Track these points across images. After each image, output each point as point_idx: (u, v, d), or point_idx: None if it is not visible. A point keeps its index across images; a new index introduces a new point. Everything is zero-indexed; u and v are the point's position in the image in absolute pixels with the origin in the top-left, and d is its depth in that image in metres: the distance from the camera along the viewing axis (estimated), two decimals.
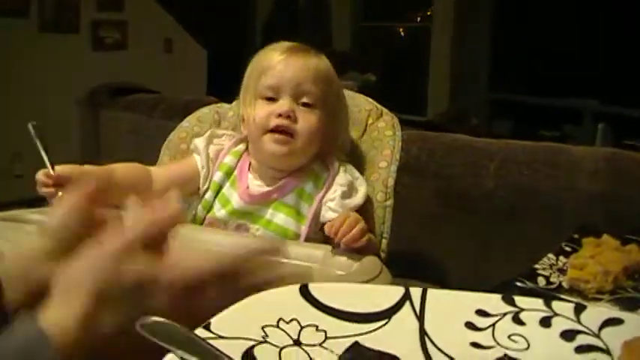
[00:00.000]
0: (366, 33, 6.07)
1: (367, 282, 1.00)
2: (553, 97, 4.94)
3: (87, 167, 1.14)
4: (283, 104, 1.22)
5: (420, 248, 1.84)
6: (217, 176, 1.29)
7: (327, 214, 1.22)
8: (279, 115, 1.22)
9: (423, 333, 0.61)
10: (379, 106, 1.44)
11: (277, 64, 1.25)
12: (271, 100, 1.24)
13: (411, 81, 5.72)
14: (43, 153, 1.10)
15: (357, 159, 1.38)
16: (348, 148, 1.37)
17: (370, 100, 1.45)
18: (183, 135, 1.45)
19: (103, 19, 4.88)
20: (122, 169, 1.22)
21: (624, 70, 4.60)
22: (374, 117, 1.41)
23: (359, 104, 1.43)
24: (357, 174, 1.29)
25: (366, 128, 1.41)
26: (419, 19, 5.95)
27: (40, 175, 1.09)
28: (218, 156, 1.31)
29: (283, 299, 0.61)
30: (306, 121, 1.23)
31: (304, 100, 1.23)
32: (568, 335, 0.61)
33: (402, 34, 6.14)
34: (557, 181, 1.73)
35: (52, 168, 1.09)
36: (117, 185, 1.17)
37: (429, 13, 5.70)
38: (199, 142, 1.32)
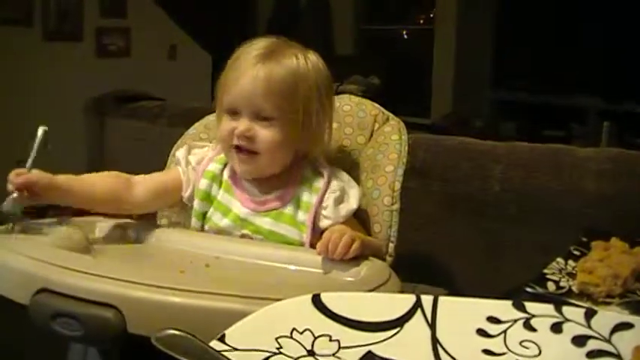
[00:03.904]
0: (369, 36, 6.06)
1: (376, 288, 1.00)
2: (557, 96, 4.93)
3: (58, 178, 1.17)
4: (241, 124, 1.22)
5: (427, 251, 1.84)
6: (203, 184, 1.29)
7: (321, 223, 1.24)
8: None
9: (435, 341, 0.62)
10: (385, 111, 1.44)
11: (236, 80, 1.23)
12: (234, 114, 1.24)
13: (414, 83, 5.71)
14: (32, 155, 1.18)
15: (363, 163, 1.39)
16: (333, 150, 1.37)
17: (376, 105, 1.45)
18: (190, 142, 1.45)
19: (107, 27, 4.88)
20: (93, 179, 1.24)
21: (628, 67, 4.58)
22: (380, 122, 1.42)
23: (365, 109, 1.44)
24: (345, 177, 1.29)
25: (373, 133, 1.41)
26: (422, 21, 5.94)
27: (11, 174, 1.14)
28: (200, 163, 1.31)
29: (296, 309, 0.62)
30: (265, 137, 1.22)
31: (262, 115, 1.22)
32: (579, 341, 0.61)
33: (405, 36, 6.13)
34: (563, 183, 1.73)
35: (29, 170, 1.15)
36: (84, 194, 1.21)
37: (431, 15, 5.69)
38: (179, 153, 1.33)
